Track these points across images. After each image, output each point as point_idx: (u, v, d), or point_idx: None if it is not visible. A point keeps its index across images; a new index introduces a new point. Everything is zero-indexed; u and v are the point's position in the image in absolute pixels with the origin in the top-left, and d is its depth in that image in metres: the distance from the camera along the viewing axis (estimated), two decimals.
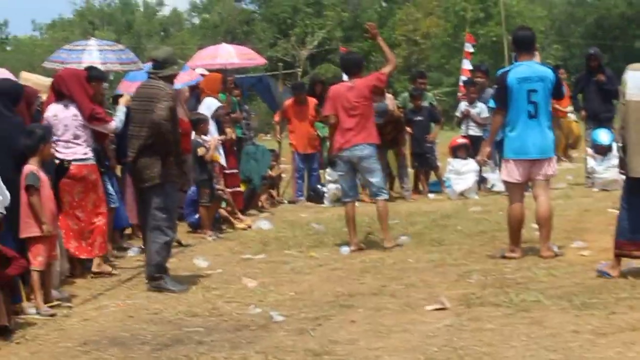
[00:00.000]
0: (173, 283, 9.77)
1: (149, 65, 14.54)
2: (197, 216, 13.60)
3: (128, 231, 13.08)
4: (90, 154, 10.56)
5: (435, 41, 60.10)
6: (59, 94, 10.53)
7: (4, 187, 8.33)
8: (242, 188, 15.24)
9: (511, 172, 10.12)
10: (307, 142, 17.18)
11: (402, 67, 53.01)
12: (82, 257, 10.62)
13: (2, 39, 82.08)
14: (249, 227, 13.82)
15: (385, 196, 11.76)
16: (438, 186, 17.27)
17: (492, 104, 10.62)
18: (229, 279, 10.15)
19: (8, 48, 79.37)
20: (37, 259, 8.90)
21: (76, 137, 10.48)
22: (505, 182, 10.47)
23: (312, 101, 17.28)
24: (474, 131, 17.02)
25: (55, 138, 10.17)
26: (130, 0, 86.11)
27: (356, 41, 62.67)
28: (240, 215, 14.26)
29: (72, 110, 10.50)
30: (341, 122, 11.40)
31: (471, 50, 27.53)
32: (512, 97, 9.99)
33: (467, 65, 26.28)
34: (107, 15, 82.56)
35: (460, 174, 16.49)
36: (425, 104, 17.43)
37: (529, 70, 10.04)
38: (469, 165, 16.42)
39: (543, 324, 7.26)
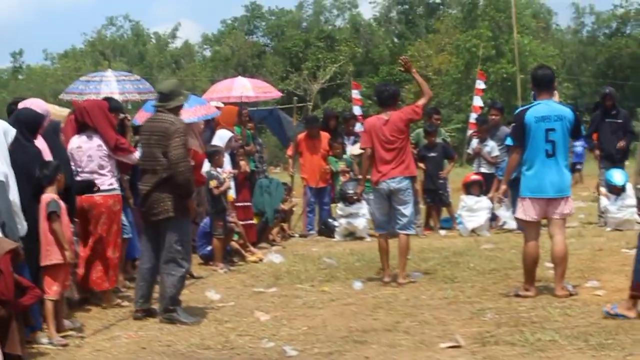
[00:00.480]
0: (185, 315, 9.74)
1: None
2: (209, 248, 13.58)
3: None
4: (116, 184, 10.62)
5: (446, 78, 60.19)
6: (82, 125, 10.57)
7: (22, 216, 8.36)
8: (254, 221, 15.23)
9: (527, 210, 10.08)
10: (319, 176, 17.17)
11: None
12: (94, 289, 10.60)
13: (16, 67, 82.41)
14: (261, 260, 13.80)
15: (412, 232, 11.87)
16: (450, 222, 17.26)
17: (509, 141, 10.58)
18: (241, 312, 10.11)
19: (20, 77, 79.74)
20: (52, 288, 8.91)
21: (101, 167, 10.51)
22: (521, 221, 10.44)
23: (325, 135, 17.31)
24: (486, 169, 16.99)
25: (78, 169, 10.27)
26: (142, 31, 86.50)
27: (367, 76, 62.95)
28: (252, 248, 14.24)
29: (96, 141, 10.54)
30: (378, 155, 11.49)
31: (482, 87, 27.54)
32: (530, 135, 9.97)
33: (478, 102, 26.30)
34: (119, 47, 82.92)
35: (473, 210, 16.46)
36: (438, 140, 17.44)
37: (547, 109, 10.04)
38: (482, 203, 16.39)
39: None
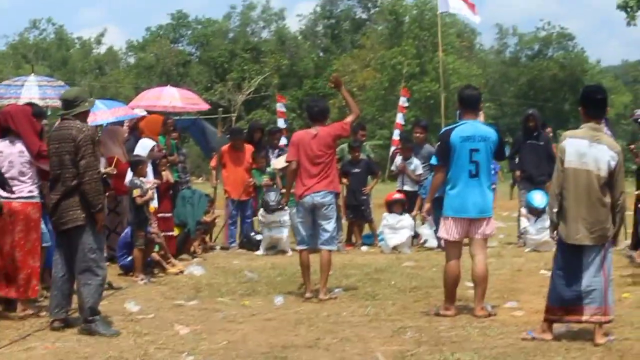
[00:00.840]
0: (105, 326, 9.62)
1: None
2: (129, 259, 13.43)
3: None
4: (36, 192, 10.46)
5: (370, 94, 60.52)
6: (5, 129, 10.40)
7: None
8: (175, 232, 15.13)
9: (449, 230, 10.15)
10: (242, 189, 17.11)
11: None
12: (13, 297, 10.43)
13: None
14: (181, 272, 13.70)
15: (334, 247, 11.85)
16: (371, 239, 17.33)
17: (434, 160, 10.59)
18: (161, 325, 10.00)
19: None
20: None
21: (22, 174, 10.36)
22: (443, 240, 10.49)
23: (249, 148, 17.27)
24: (409, 186, 17.09)
25: None
26: (65, 35, 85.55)
27: (291, 89, 63.02)
28: (172, 260, 14.13)
29: (19, 146, 10.40)
30: (303, 169, 11.44)
31: (406, 104, 27.66)
32: (455, 155, 10.03)
33: (400, 119, 26.42)
34: (42, 50, 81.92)
35: (395, 228, 16.52)
36: (363, 156, 17.49)
37: (472, 129, 10.12)
38: (404, 221, 16.52)
39: None
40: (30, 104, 11.32)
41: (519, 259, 14.88)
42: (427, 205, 10.94)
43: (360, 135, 18.13)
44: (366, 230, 17.77)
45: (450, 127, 10.39)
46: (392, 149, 22.93)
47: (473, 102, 10.44)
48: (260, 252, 16.39)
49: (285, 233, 16.41)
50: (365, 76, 62.08)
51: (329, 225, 11.50)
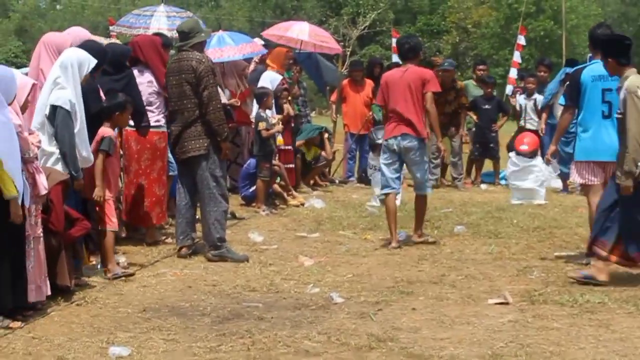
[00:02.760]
0: (233, 252, 9.75)
1: (217, 34, 14.46)
2: (252, 190, 13.50)
3: None
4: (163, 121, 10.58)
5: (486, 31, 59.61)
6: (134, 59, 10.49)
7: (89, 148, 8.37)
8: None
9: (584, 174, 9.55)
10: (361, 123, 16.99)
11: (450, 54, 52.75)
12: (139, 225, 10.60)
13: None
14: (302, 204, 13.73)
15: (428, 192, 11.03)
16: (492, 177, 17.10)
17: (562, 101, 10.10)
18: (285, 256, 10.10)
19: (58, 7, 79.51)
20: (112, 219, 8.95)
21: (149, 103, 10.47)
22: (582, 185, 10.08)
23: (369, 83, 17.12)
24: (531, 125, 16.69)
25: None
26: None
27: (405, 25, 62.35)
28: (293, 192, 14.17)
29: (147, 76, 10.51)
30: (391, 110, 10.73)
31: (523, 42, 27.09)
32: (586, 95, 9.47)
33: (517, 57, 25.90)
34: None
35: (523, 173, 14.68)
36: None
37: (604, 68, 9.35)
38: (535, 166, 14.67)
39: (610, 328, 7.10)
40: (159, 34, 11.38)
41: None
42: (552, 148, 10.16)
43: (479, 70, 17.89)
44: (486, 167, 17.49)
45: (581, 66, 9.92)
46: (510, 87, 22.40)
47: (603, 42, 9.45)
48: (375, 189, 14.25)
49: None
50: (480, 13, 61.00)
51: (419, 172, 10.78)
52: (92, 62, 8.49)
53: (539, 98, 16.54)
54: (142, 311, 7.64)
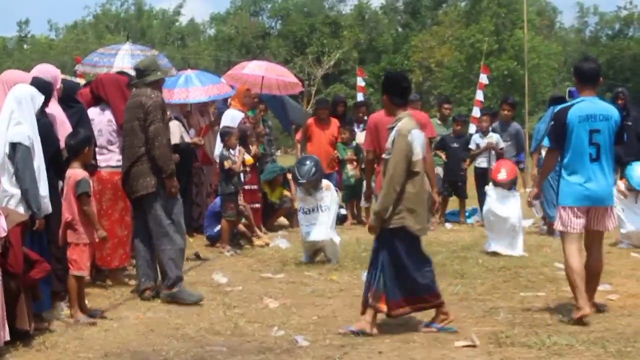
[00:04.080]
0: (188, 293, 9.58)
1: (185, 73, 14.33)
2: (217, 229, 13.33)
3: None
4: None
5: (447, 72, 59.93)
6: (97, 98, 10.36)
7: (46, 185, 8.17)
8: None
9: (569, 221, 8.87)
10: (326, 163, 16.81)
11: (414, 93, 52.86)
12: (102, 266, 10.39)
13: (21, 37, 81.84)
14: (267, 244, 13.56)
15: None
16: (457, 216, 16.98)
17: (546, 142, 9.62)
18: (250, 298, 9.92)
19: (25, 47, 79.22)
20: (86, 264, 8.79)
21: (110, 142, 10.36)
22: (561, 233, 9.11)
23: (335, 121, 17.00)
24: (486, 164, 16.49)
25: None
26: (144, 7, 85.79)
27: (369, 64, 62.57)
28: (258, 232, 13.99)
29: (108, 114, 10.41)
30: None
31: (486, 81, 27.20)
32: (572, 137, 8.79)
33: (480, 96, 25.99)
34: (123, 21, 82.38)
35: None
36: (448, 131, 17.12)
37: (592, 107, 8.82)
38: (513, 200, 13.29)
39: None
40: (124, 74, 11.23)
41: (606, 240, 14.40)
42: (535, 190, 9.58)
43: (444, 109, 17.83)
44: (450, 206, 17.36)
45: (567, 105, 9.16)
46: (473, 126, 22.35)
47: (593, 76, 8.99)
48: (304, 259, 12.32)
49: (326, 226, 12.12)
50: (443, 53, 61.40)
51: None
52: (41, 97, 8.35)
53: (495, 137, 16.41)
54: (104, 356, 7.44)
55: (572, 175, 8.88)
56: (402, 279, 8.25)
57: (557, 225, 9.09)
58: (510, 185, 13.25)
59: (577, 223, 8.85)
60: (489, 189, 13.45)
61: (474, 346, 7.76)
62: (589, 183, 8.81)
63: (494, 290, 10.26)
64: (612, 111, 8.95)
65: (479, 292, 10.15)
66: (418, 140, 8.15)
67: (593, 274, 8.98)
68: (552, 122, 9.48)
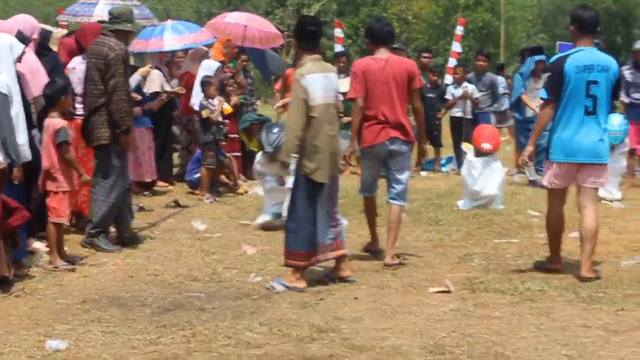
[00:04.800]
0: (106, 242, 9.44)
1: (164, 23, 14.12)
2: (197, 175, 13.17)
3: None
4: None
5: (424, 25, 59.58)
6: (81, 47, 10.18)
7: (26, 133, 8.02)
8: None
9: (555, 176, 8.27)
10: None
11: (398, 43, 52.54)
12: (82, 213, 10.22)
13: None
14: (246, 192, 13.40)
15: (406, 203, 9.32)
16: (432, 165, 16.85)
17: (542, 94, 8.55)
18: (228, 244, 9.80)
19: None
20: (65, 211, 8.65)
21: None
22: (547, 188, 8.51)
23: None
24: (462, 114, 16.42)
25: None
26: None
27: (348, 16, 62.10)
28: (238, 181, 13.83)
29: None
30: (374, 108, 8.80)
31: (461, 33, 26.93)
32: (568, 88, 8.07)
33: (457, 47, 25.75)
34: None
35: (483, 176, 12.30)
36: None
37: (590, 57, 8.13)
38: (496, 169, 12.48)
39: (551, 316, 6.91)
40: (101, 22, 11.01)
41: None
42: (529, 148, 8.51)
43: (423, 57, 17.62)
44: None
45: (564, 54, 8.38)
46: (449, 77, 22.10)
47: (592, 24, 8.29)
48: (259, 220, 11.08)
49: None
50: (420, 5, 60.95)
51: (403, 176, 9.08)
52: (20, 46, 8.16)
53: (470, 87, 16.30)
54: (82, 302, 7.31)
55: (565, 128, 8.17)
56: (302, 230, 7.99)
57: (545, 180, 8.45)
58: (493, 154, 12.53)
59: (565, 178, 8.27)
60: (470, 156, 12.63)
61: (449, 292, 7.69)
62: (583, 138, 8.11)
63: (469, 237, 10.18)
64: (611, 62, 8.24)
65: (454, 239, 10.07)
66: (315, 84, 7.79)
67: (588, 236, 8.18)
68: (549, 73, 8.70)
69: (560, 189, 8.35)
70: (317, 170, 7.88)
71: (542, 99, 8.63)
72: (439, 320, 6.80)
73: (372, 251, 9.32)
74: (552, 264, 8.46)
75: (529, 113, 14.14)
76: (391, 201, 9.00)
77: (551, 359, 5.87)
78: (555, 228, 8.48)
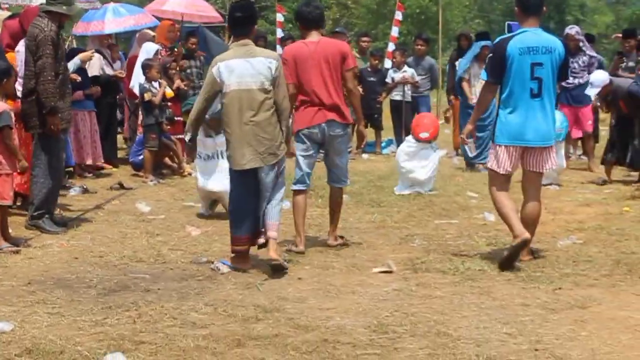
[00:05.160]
0: (50, 224, 9.32)
1: (108, 6, 13.99)
2: (140, 157, 13.06)
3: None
4: None
5: (363, 10, 59.63)
6: (24, 30, 10.03)
7: None
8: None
9: (501, 160, 7.97)
10: None
11: (331, 29, 52.57)
12: (27, 194, 10.08)
13: None
14: (190, 174, 13.30)
15: (348, 184, 9.21)
16: (373, 147, 16.88)
17: (483, 76, 8.26)
18: (172, 226, 9.72)
19: None
20: (9, 194, 8.50)
21: None
22: (491, 171, 8.17)
23: None
24: (401, 97, 16.56)
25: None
26: None
27: (289, 1, 62.01)
28: (181, 163, 13.73)
29: None
30: (307, 91, 8.53)
31: (400, 18, 26.95)
32: (512, 70, 7.83)
33: (395, 32, 25.75)
34: None
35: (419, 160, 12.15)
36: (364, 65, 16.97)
37: (535, 38, 7.84)
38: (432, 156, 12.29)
39: (491, 295, 6.93)
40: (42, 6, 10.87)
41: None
42: (469, 127, 8.44)
43: (362, 42, 17.66)
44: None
45: (507, 36, 8.11)
46: (388, 61, 22.15)
47: (536, 5, 7.97)
48: (201, 210, 10.62)
49: (224, 175, 9.26)
50: None
51: (343, 160, 8.87)
52: None
53: (410, 71, 16.41)
54: (27, 284, 7.18)
55: (510, 112, 7.91)
56: (240, 216, 7.91)
57: (489, 164, 8.15)
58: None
59: (511, 164, 7.97)
60: (409, 140, 12.45)
61: (391, 272, 7.69)
62: (529, 121, 7.85)
63: (410, 218, 10.20)
64: (556, 43, 7.95)
65: (395, 220, 10.08)
66: (231, 71, 7.60)
67: (530, 220, 8.02)
68: (490, 55, 8.37)
69: (506, 173, 8.02)
70: (230, 158, 7.78)
71: (483, 80, 8.35)
72: (382, 300, 6.80)
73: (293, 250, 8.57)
74: (517, 238, 7.78)
75: (471, 96, 14.17)
76: (332, 183, 8.87)
77: (492, 337, 5.88)
78: (506, 205, 7.98)
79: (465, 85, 14.55)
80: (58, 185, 9.52)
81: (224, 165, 9.33)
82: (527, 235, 7.78)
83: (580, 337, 5.89)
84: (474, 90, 14.09)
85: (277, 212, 7.86)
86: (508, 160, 7.94)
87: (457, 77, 15.04)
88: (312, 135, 8.58)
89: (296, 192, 8.69)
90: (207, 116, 8.61)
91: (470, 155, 12.01)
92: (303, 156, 8.68)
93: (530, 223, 7.98)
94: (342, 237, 8.89)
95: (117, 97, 14.41)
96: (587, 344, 5.74)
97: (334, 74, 8.54)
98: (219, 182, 9.98)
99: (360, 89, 15.93)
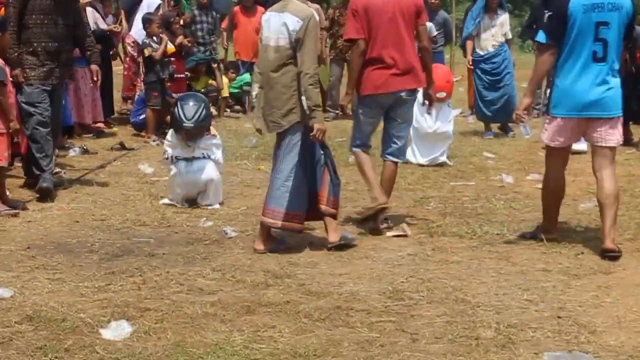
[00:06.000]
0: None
1: None
2: (142, 117, 12.99)
3: None
4: None
5: None
6: None
7: None
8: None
9: (557, 133, 7.24)
10: (252, 50, 16.45)
11: None
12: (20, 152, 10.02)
13: None
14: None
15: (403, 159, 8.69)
16: None
17: (541, 37, 7.30)
18: None
19: None
20: (4, 154, 8.43)
21: None
22: (546, 147, 7.56)
23: (261, 10, 16.54)
24: None
25: None
26: None
27: None
28: None
29: None
30: (380, 50, 7.79)
31: None
32: (573, 30, 7.04)
33: None
34: None
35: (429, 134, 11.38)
36: None
37: None
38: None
39: (511, 260, 6.93)
40: None
41: (535, 129, 14.33)
42: (526, 100, 7.41)
43: None
44: None
45: None
46: None
47: None
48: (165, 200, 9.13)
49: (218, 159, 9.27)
50: None
51: (407, 131, 8.42)
52: None
53: (429, 25, 16.13)
54: (26, 248, 7.18)
55: (569, 78, 7.13)
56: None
57: (545, 137, 7.37)
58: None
59: (567, 136, 7.28)
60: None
61: (406, 236, 7.68)
62: (592, 88, 7.08)
63: (424, 180, 10.17)
64: (624, 0, 7.15)
65: (409, 182, 10.04)
66: (266, 23, 7.25)
67: (609, 202, 7.13)
68: (549, 12, 7.53)
69: (563, 147, 7.35)
70: (253, 119, 7.58)
71: (539, 43, 7.52)
72: (397, 265, 6.79)
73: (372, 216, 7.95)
74: (548, 234, 7.49)
75: (482, 51, 13.85)
76: (389, 157, 8.17)
77: (512, 303, 5.86)
78: (554, 192, 7.49)
79: (469, 43, 14.17)
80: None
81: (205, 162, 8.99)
82: (557, 236, 7.47)
83: (605, 304, 5.88)
84: (485, 45, 13.80)
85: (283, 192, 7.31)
86: (566, 133, 7.24)
87: (464, 34, 14.41)
88: (380, 101, 7.94)
89: (360, 154, 8.14)
90: (191, 124, 8.67)
91: (526, 136, 10.63)
92: (367, 120, 8.11)
93: (609, 204, 7.10)
94: (386, 220, 8.03)
95: (111, 52, 14.32)
96: (611, 311, 5.72)
97: (409, 30, 7.85)
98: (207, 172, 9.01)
99: None
